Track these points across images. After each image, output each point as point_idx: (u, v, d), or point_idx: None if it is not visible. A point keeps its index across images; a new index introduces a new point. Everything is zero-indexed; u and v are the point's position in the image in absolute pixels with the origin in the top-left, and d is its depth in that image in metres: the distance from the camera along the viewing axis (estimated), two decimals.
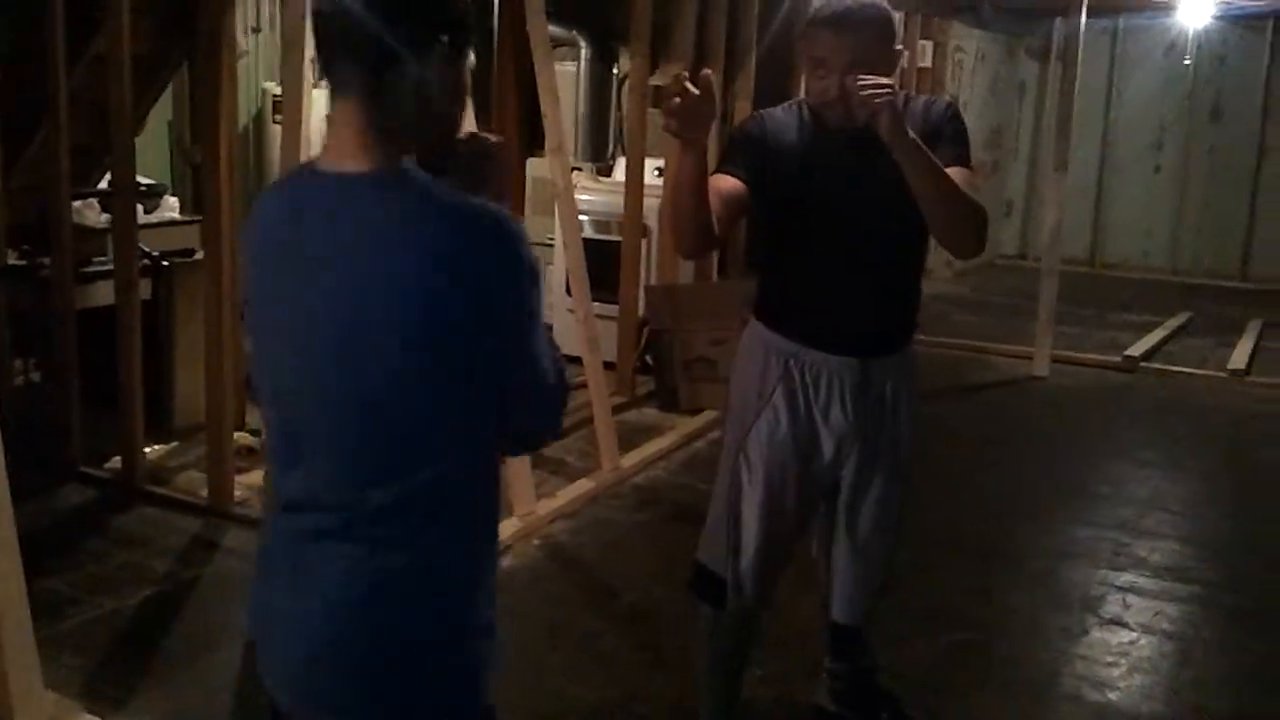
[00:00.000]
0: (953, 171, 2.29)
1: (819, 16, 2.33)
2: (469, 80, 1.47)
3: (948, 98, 2.52)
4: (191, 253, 4.77)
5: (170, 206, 5.10)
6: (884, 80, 2.17)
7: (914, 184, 2.22)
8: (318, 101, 6.08)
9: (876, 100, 2.14)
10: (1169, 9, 8.30)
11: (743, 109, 6.30)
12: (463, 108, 1.46)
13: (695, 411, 5.46)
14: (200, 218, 4.51)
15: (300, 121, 3.72)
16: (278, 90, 5.57)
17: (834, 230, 2.41)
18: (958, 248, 2.39)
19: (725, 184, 2.37)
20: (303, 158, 3.72)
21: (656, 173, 5.96)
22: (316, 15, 1.38)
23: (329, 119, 1.42)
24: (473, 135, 1.54)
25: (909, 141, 2.19)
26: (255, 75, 6.32)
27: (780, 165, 2.40)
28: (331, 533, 1.41)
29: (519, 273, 1.39)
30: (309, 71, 3.81)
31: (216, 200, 4.05)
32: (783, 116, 2.48)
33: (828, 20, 2.30)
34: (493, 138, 1.56)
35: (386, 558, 1.40)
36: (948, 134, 2.40)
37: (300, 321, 1.40)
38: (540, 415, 1.51)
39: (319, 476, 1.42)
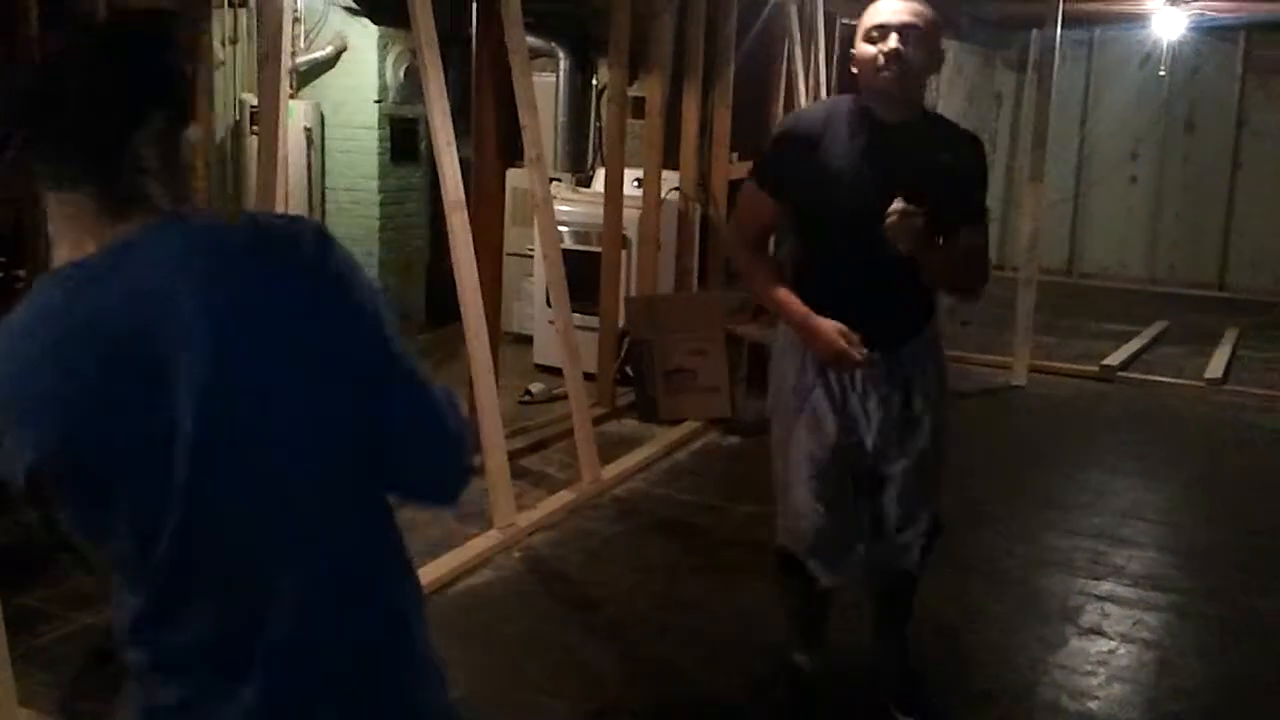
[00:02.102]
0: (972, 233, 2.62)
1: None
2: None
3: (978, 139, 2.77)
4: None
5: None
6: (910, 209, 2.41)
7: (932, 276, 2.60)
8: (295, 112, 6.09)
9: (902, 230, 2.41)
10: (1144, 21, 8.36)
11: (721, 118, 6.31)
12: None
13: (675, 422, 5.46)
14: None
15: (277, 132, 3.71)
16: (255, 101, 5.56)
17: (858, 232, 2.54)
18: (961, 298, 2.76)
19: (762, 210, 2.68)
20: (279, 170, 3.70)
21: (635, 184, 5.97)
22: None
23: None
24: None
25: (933, 259, 2.53)
26: (233, 86, 6.31)
27: (809, 175, 2.58)
28: None
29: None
30: (286, 83, 3.80)
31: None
32: (820, 117, 2.67)
33: None
34: None
35: None
36: (971, 187, 2.66)
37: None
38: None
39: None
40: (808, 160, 2.58)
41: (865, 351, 2.54)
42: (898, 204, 2.43)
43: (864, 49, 2.53)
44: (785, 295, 2.66)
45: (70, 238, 1.25)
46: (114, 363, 1.18)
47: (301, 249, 1.25)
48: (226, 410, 1.18)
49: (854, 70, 2.61)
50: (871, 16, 2.54)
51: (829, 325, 2.56)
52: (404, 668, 1.34)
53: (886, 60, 2.48)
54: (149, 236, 1.21)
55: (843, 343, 2.54)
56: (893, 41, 2.48)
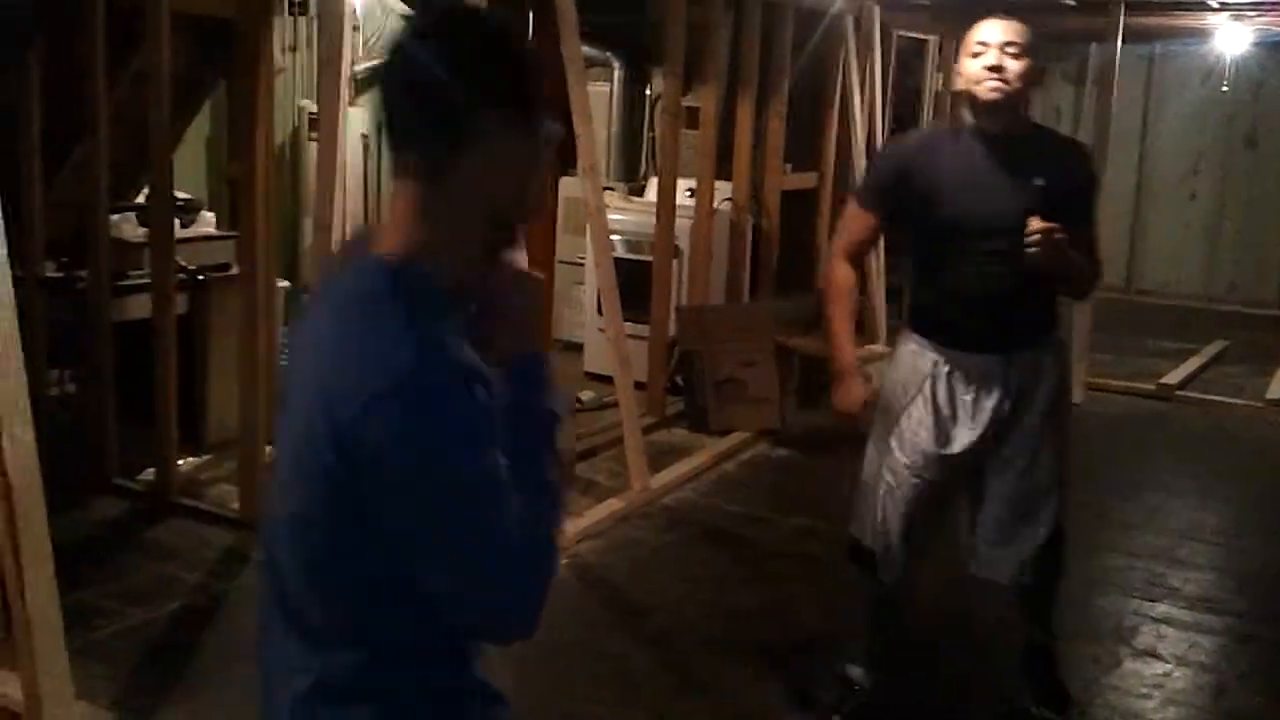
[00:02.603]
0: (1080, 238, 2.72)
1: (989, 16, 2.78)
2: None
3: (1085, 146, 3.09)
4: (227, 267, 4.82)
5: (207, 222, 5.15)
6: (1053, 228, 2.57)
7: (1055, 280, 2.77)
8: (353, 119, 6.15)
9: (1046, 248, 2.57)
10: (1206, 36, 8.24)
11: (775, 129, 6.30)
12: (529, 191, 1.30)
13: (725, 432, 5.45)
14: (236, 233, 4.55)
15: (336, 139, 3.76)
16: (315, 108, 5.62)
17: (973, 244, 2.74)
18: (1075, 298, 3.10)
19: (862, 224, 2.91)
20: (338, 175, 3.75)
21: (688, 193, 5.97)
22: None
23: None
24: (504, 264, 1.31)
25: (1061, 267, 2.67)
26: (293, 93, 6.38)
27: (919, 191, 2.77)
28: None
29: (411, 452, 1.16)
30: (345, 89, 3.85)
31: (252, 216, 4.08)
32: (928, 138, 3.05)
33: (993, 13, 2.77)
34: (530, 273, 1.33)
35: None
36: (1077, 190, 2.82)
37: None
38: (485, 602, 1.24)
39: None
40: (911, 180, 2.78)
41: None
42: (1037, 223, 2.58)
43: (968, 65, 2.72)
44: (842, 330, 2.88)
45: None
46: None
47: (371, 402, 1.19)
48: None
49: (959, 89, 2.82)
50: (975, 35, 2.74)
51: (857, 388, 2.82)
52: None
53: (989, 74, 2.68)
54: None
55: (857, 406, 2.81)
56: (993, 57, 2.68)
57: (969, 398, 2.81)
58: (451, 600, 1.23)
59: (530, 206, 1.32)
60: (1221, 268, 10.15)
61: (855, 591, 3.08)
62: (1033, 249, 2.58)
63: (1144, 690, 3.33)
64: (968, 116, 2.80)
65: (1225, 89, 9.27)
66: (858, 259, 2.95)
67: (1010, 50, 2.68)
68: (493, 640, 1.33)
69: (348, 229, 4.16)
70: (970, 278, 2.76)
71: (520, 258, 1.32)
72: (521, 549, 1.21)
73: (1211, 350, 7.88)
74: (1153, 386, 6.80)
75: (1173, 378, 6.97)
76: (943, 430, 2.82)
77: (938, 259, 2.82)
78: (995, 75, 2.66)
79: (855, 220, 2.93)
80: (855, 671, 3.04)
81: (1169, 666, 3.47)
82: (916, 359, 2.86)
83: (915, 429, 2.83)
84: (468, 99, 1.22)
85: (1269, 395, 6.69)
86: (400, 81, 1.27)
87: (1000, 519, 2.90)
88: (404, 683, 1.27)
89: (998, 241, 2.68)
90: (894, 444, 2.85)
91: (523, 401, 1.26)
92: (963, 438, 2.82)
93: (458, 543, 1.20)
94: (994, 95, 2.68)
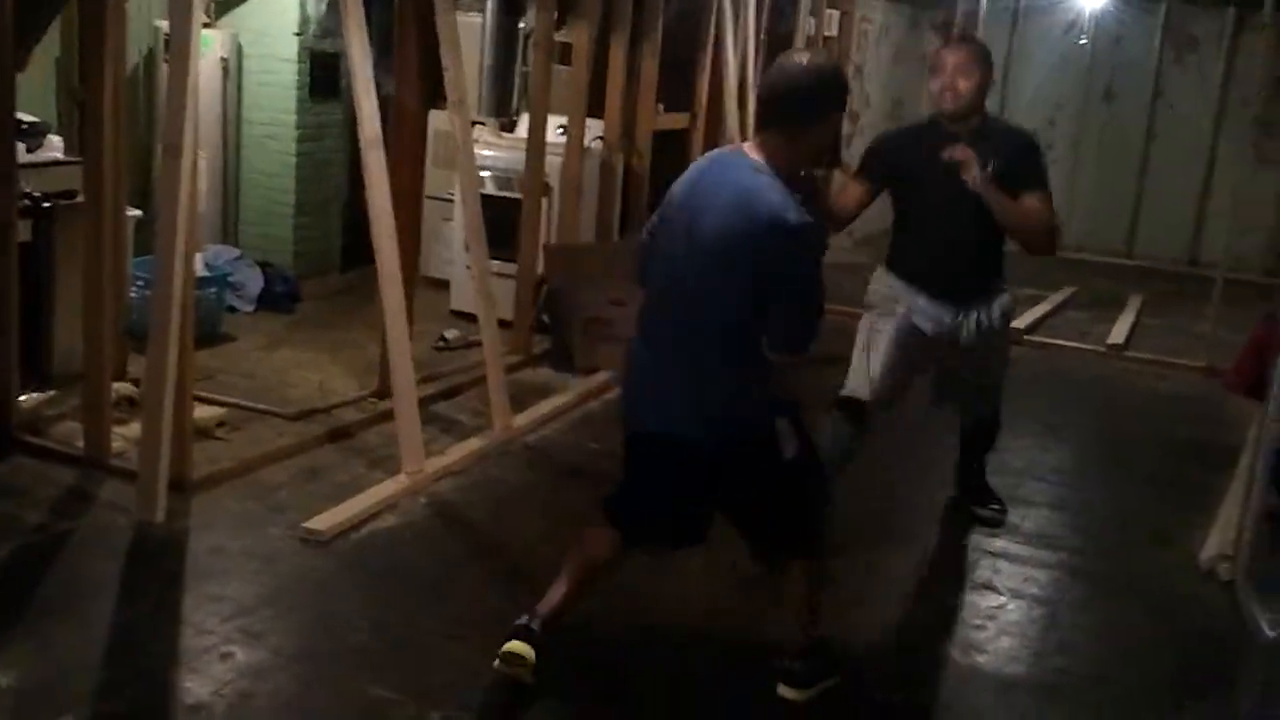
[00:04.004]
0: (1030, 197, 3.66)
1: (946, 44, 4.20)
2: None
3: (1027, 131, 4.03)
4: (75, 194, 4.61)
5: (54, 146, 4.91)
6: (963, 149, 3.56)
7: (995, 214, 3.60)
8: (210, 41, 5.92)
9: (965, 167, 3.54)
10: None
11: (649, 69, 6.28)
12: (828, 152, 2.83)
13: (590, 371, 5.47)
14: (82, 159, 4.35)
15: (189, 62, 3.61)
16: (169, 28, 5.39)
17: (937, 211, 3.70)
18: (1031, 251, 3.86)
19: (855, 191, 3.82)
20: (190, 99, 3.61)
21: (560, 130, 5.92)
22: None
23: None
24: (810, 177, 2.83)
25: (989, 192, 3.56)
26: (147, 12, 6.10)
27: (899, 168, 3.77)
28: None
29: (783, 244, 2.55)
30: (199, 9, 3.69)
31: (98, 141, 3.92)
32: (906, 131, 4.22)
33: (949, 41, 3.90)
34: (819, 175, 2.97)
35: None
36: (1026, 169, 3.68)
37: (683, 239, 2.68)
38: (790, 330, 2.65)
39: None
40: (894, 159, 3.81)
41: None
42: (960, 147, 3.55)
43: (932, 82, 3.71)
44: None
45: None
46: None
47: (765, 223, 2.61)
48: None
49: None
50: (937, 59, 3.72)
51: None
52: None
53: (945, 91, 3.64)
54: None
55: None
56: (949, 78, 3.63)
57: (936, 314, 3.76)
58: (786, 332, 2.65)
59: (825, 158, 2.90)
60: (1075, 217, 10.52)
61: None
62: (953, 162, 3.53)
63: (979, 621, 3.49)
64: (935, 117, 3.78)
65: (1084, 41, 9.56)
66: (852, 216, 3.84)
67: (961, 70, 3.62)
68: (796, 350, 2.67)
69: (199, 155, 4.02)
70: (936, 241, 3.72)
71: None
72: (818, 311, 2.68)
73: (1059, 297, 8.21)
74: None
75: (1021, 322, 7.22)
76: (915, 330, 3.76)
77: (917, 227, 3.79)
78: (950, 92, 3.63)
79: (852, 188, 3.83)
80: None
81: (1004, 599, 3.65)
82: (894, 288, 3.81)
83: (897, 321, 3.76)
84: (821, 103, 2.67)
85: (1110, 340, 7.02)
86: (787, 83, 2.66)
87: (968, 387, 3.95)
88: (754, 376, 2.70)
89: (958, 214, 3.62)
90: (880, 324, 3.79)
91: None
92: (931, 339, 3.78)
93: (807, 301, 2.65)
94: (950, 108, 3.67)
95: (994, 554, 3.96)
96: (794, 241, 2.55)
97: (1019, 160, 3.67)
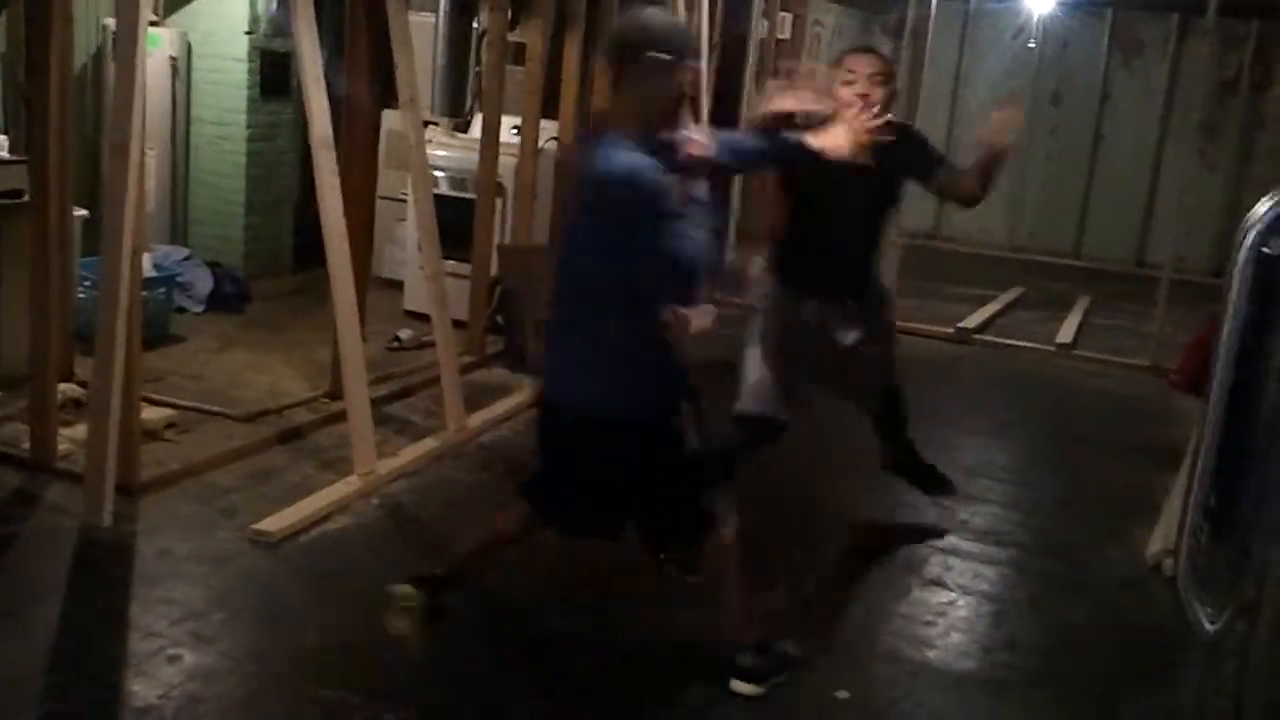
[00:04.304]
0: (950, 168, 3.65)
1: (855, 48, 3.84)
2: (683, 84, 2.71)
3: (911, 126, 3.95)
4: (21, 194, 4.54)
5: None
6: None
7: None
8: (159, 39, 5.86)
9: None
10: None
11: (602, 69, 6.27)
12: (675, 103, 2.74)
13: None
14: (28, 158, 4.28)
15: (136, 59, 3.57)
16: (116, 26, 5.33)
17: (829, 215, 3.58)
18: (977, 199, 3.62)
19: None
20: (137, 98, 3.57)
21: (513, 131, 5.91)
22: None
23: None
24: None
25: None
26: (95, 9, 6.02)
27: (801, 173, 3.51)
28: None
29: (635, 195, 2.58)
30: (146, 7, 3.65)
31: (44, 139, 3.87)
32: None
33: (858, 48, 3.79)
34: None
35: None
36: (923, 153, 3.66)
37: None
38: (664, 279, 2.61)
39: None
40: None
41: None
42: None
43: (841, 91, 3.44)
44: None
45: None
46: None
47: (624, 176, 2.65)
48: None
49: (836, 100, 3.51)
50: (846, 64, 3.53)
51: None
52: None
53: (860, 99, 3.42)
54: None
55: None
56: (863, 86, 3.45)
57: (817, 325, 3.67)
58: (661, 282, 2.61)
59: (675, 115, 2.75)
60: (1024, 218, 10.67)
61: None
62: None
63: (929, 618, 3.53)
64: None
65: (1032, 45, 9.69)
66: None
67: (876, 79, 3.47)
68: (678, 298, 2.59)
69: (148, 154, 3.97)
70: (825, 244, 3.61)
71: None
72: (684, 258, 2.63)
73: (1008, 297, 8.31)
74: (951, 330, 7.13)
75: (970, 321, 7.33)
76: (802, 335, 3.68)
77: (803, 228, 3.66)
78: (864, 100, 3.43)
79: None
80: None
81: (954, 595, 3.69)
82: (783, 295, 3.72)
83: (786, 332, 3.67)
84: (641, 47, 2.64)
85: (1058, 340, 7.12)
86: (611, 38, 2.86)
87: (864, 386, 3.90)
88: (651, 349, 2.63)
89: (850, 216, 3.58)
90: (770, 340, 3.68)
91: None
92: (818, 342, 3.69)
93: (661, 247, 2.60)
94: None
95: (944, 550, 4.01)
96: (642, 192, 2.57)
97: (916, 154, 3.66)
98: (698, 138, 2.77)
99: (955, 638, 3.44)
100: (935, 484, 4.27)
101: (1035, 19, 9.64)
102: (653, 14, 2.76)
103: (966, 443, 5.26)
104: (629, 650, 3.20)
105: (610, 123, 2.75)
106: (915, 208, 8.57)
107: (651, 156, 2.61)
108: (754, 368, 3.71)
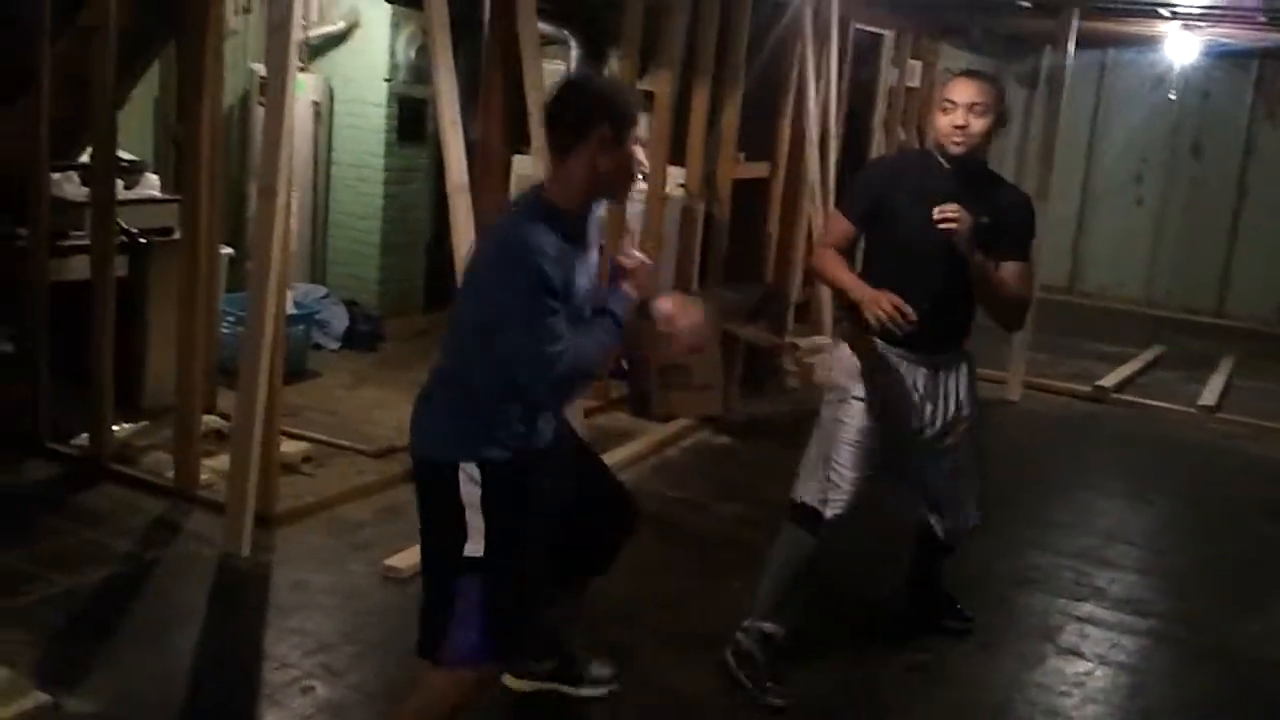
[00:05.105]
0: (1010, 265, 3.17)
1: (961, 72, 3.34)
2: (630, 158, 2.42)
3: (1027, 196, 3.42)
4: (170, 231, 4.74)
5: (151, 184, 5.06)
6: (957, 210, 2.98)
7: (974, 284, 3.11)
8: (304, 85, 6.07)
9: (953, 227, 2.97)
10: (1157, 44, 8.37)
11: (730, 117, 6.30)
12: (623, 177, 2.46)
13: (668, 418, 5.46)
14: (180, 197, 4.47)
15: (285, 104, 3.70)
16: (264, 72, 5.55)
17: (913, 258, 3.13)
18: (999, 324, 3.30)
19: (842, 231, 3.29)
20: (285, 141, 3.70)
21: (640, 176, 5.94)
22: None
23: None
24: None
25: (974, 258, 3.05)
26: (244, 56, 6.28)
27: (886, 208, 3.20)
28: None
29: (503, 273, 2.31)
30: (295, 54, 3.79)
31: (196, 180, 4.02)
32: (900, 162, 3.53)
33: (964, 73, 3.31)
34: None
35: None
36: (1014, 228, 3.21)
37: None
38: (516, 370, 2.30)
39: None
40: (882, 197, 3.22)
41: (910, 312, 2.98)
42: (951, 207, 2.98)
43: (939, 119, 3.16)
44: (844, 275, 3.21)
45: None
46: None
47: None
48: None
49: (932, 131, 3.29)
50: (946, 92, 3.18)
51: (884, 293, 3.02)
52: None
53: (955, 130, 3.11)
54: None
55: (891, 306, 2.98)
56: (960, 117, 3.10)
57: (906, 387, 3.23)
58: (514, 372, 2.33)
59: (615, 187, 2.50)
60: (1162, 274, 10.34)
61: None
62: (945, 224, 2.97)
63: (1065, 688, 3.39)
64: (936, 153, 3.24)
65: (1173, 97, 9.43)
66: (843, 253, 3.30)
67: (976, 110, 3.11)
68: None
69: (292, 195, 4.10)
70: (913, 290, 3.05)
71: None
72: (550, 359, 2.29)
73: (1148, 355, 8.04)
74: (1088, 388, 6.92)
75: (1108, 380, 7.10)
76: (888, 411, 3.21)
77: (887, 270, 3.16)
78: (960, 132, 3.11)
79: (837, 224, 3.37)
80: (768, 626, 3.23)
81: (1090, 665, 3.54)
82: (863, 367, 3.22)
83: (862, 407, 3.19)
84: (582, 119, 2.36)
85: (1200, 402, 6.84)
86: (550, 102, 2.47)
87: (940, 494, 3.39)
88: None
89: (941, 264, 3.08)
90: (843, 417, 3.20)
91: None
92: (904, 420, 3.24)
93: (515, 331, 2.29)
94: (958, 150, 3.14)
95: (1080, 618, 3.86)
96: (502, 259, 2.30)
97: (1011, 220, 3.21)
98: (636, 258, 2.54)
99: (1091, 709, 3.30)
100: (960, 626, 3.69)
101: (1176, 69, 9.38)
102: (588, 78, 2.67)
103: (1103, 505, 5.08)
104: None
105: (544, 189, 2.45)
106: (1047, 258, 8.38)
107: (566, 232, 2.35)
108: (819, 460, 3.25)
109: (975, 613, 3.75)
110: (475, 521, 2.33)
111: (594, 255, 2.53)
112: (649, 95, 6.06)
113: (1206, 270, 10.14)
